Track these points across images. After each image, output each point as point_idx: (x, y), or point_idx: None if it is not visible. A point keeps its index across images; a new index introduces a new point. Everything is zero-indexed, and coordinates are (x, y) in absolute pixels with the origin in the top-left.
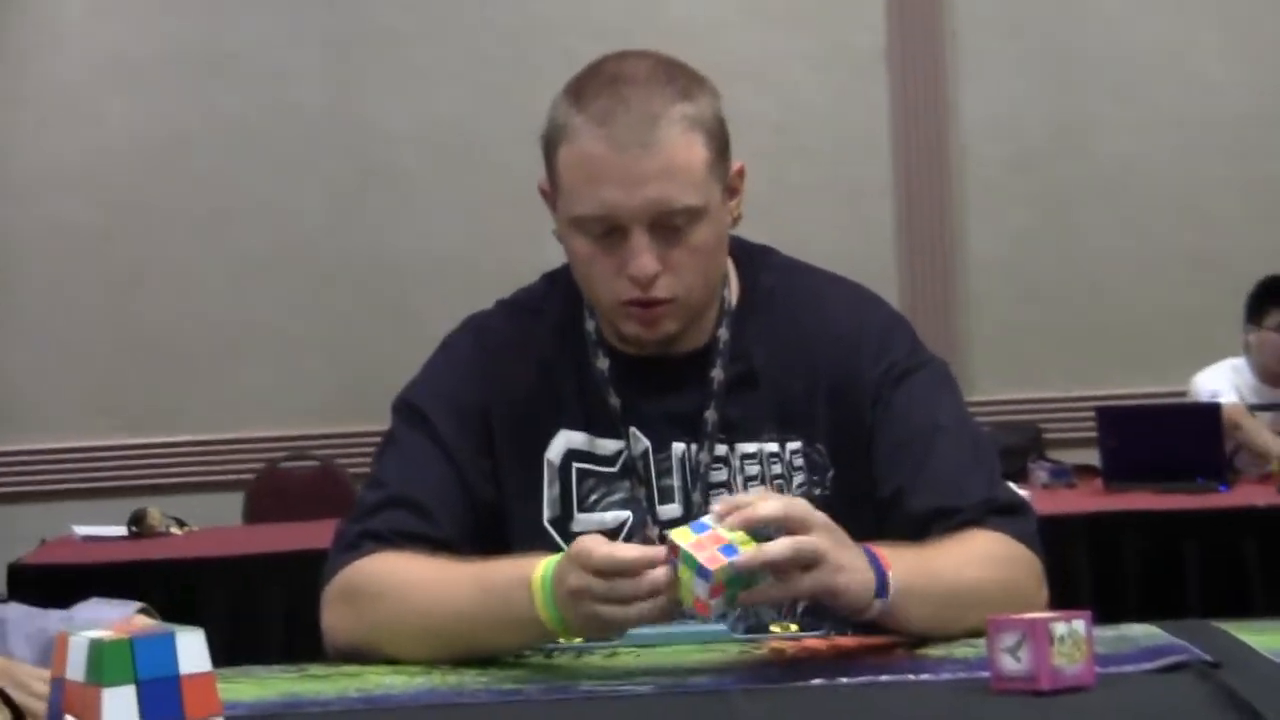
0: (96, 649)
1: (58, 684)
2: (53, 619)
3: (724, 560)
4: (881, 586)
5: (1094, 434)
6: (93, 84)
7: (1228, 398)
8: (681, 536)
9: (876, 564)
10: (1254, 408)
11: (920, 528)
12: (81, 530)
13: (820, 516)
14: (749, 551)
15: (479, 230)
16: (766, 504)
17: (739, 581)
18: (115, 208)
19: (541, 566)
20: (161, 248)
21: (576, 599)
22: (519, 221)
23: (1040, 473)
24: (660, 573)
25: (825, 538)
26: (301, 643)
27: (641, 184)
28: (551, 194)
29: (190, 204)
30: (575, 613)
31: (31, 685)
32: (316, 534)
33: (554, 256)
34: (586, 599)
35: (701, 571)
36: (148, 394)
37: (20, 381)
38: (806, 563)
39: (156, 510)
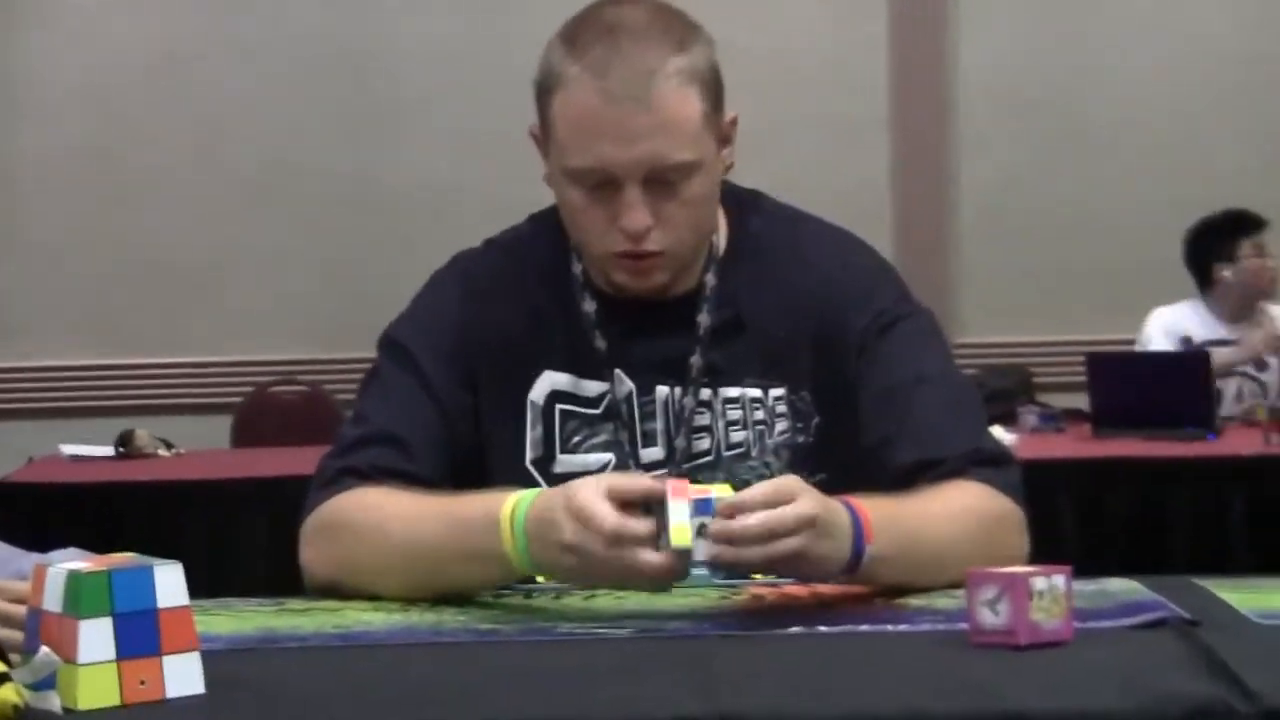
0: (74, 581)
1: (34, 615)
2: (31, 564)
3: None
4: (854, 562)
5: (1084, 379)
6: (94, 3)
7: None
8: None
9: (858, 534)
10: (1212, 343)
11: (905, 479)
12: (69, 449)
13: (806, 487)
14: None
15: (475, 160)
16: (750, 490)
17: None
18: (111, 127)
19: (511, 502)
20: (156, 168)
21: (567, 553)
22: (515, 153)
23: (1029, 417)
24: (663, 557)
25: (811, 502)
26: (284, 567)
27: (636, 139)
28: (543, 140)
29: (187, 124)
30: (561, 563)
31: (14, 614)
32: (303, 459)
33: (548, 192)
34: (578, 556)
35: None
36: (139, 314)
37: (11, 299)
38: (785, 500)
39: (144, 431)
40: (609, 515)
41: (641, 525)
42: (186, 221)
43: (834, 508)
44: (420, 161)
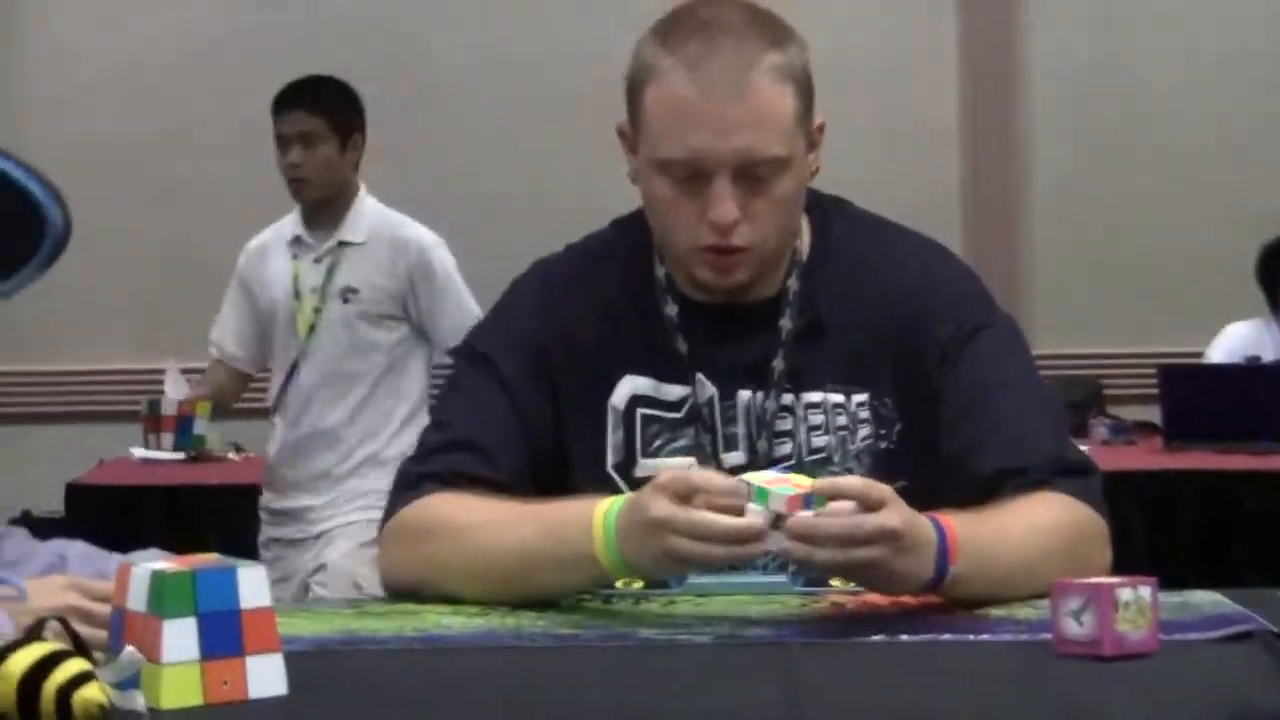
0: (159, 580)
1: (118, 614)
2: (112, 564)
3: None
4: (936, 580)
5: (1155, 390)
6: None
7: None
8: (756, 478)
9: (942, 553)
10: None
11: (987, 487)
12: (139, 452)
13: (897, 499)
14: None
15: (522, 162)
16: (849, 477)
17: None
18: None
19: (605, 505)
20: (200, 163)
21: (655, 530)
22: (566, 154)
23: (1100, 429)
24: (753, 520)
25: (898, 516)
26: None
27: (731, 131)
28: (632, 135)
29: (229, 119)
30: (649, 545)
31: (98, 612)
32: None
33: (605, 194)
34: (667, 531)
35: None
36: (209, 320)
37: (83, 305)
38: (873, 505)
39: (215, 434)
40: (699, 476)
41: (729, 481)
42: (246, 225)
43: (921, 525)
44: (467, 160)
